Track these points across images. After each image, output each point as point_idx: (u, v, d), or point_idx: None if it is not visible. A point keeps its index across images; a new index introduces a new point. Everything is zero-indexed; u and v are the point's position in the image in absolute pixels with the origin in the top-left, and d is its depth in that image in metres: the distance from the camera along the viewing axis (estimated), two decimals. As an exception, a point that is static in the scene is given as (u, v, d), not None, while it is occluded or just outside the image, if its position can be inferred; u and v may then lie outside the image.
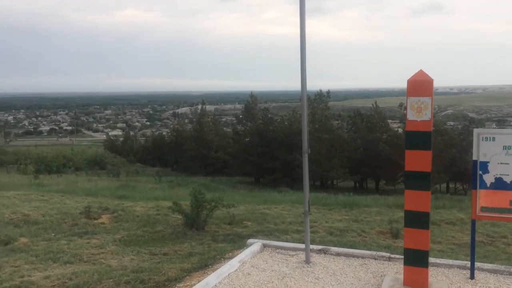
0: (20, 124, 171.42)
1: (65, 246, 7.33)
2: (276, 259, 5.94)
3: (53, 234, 8.26)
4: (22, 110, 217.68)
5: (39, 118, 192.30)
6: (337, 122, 40.55)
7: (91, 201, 12.15)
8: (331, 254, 6.05)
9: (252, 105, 46.27)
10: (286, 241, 6.97)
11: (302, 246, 6.16)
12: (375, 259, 5.87)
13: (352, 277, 5.25)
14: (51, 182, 21.54)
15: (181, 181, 32.35)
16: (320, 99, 40.92)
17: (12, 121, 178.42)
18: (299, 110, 39.93)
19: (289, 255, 6.07)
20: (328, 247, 6.26)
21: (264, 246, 6.40)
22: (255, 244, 6.34)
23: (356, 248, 6.44)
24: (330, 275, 5.28)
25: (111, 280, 5.42)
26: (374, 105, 38.73)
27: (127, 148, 71.43)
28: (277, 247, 6.36)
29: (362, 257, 5.92)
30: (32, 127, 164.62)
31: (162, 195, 15.59)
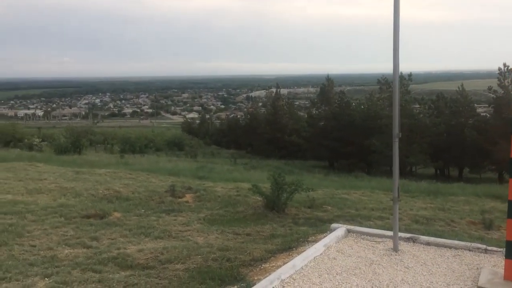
0: (106, 107, 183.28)
1: (155, 222, 7.72)
2: (361, 245, 5.81)
3: (142, 210, 8.74)
4: (108, 93, 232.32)
5: (123, 101, 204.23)
6: (418, 106, 38.64)
7: (174, 181, 12.68)
8: (421, 243, 5.80)
9: (327, 88, 45.53)
10: (371, 227, 6.79)
11: (389, 233, 5.97)
12: (470, 250, 5.55)
13: (445, 268, 5.00)
14: (135, 161, 22.78)
15: (255, 163, 32.79)
16: (400, 82, 39.21)
17: (99, 104, 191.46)
18: (377, 93, 38.65)
19: (375, 241, 5.92)
20: (417, 235, 6.01)
21: (349, 231, 6.29)
22: (339, 229, 6.25)
23: (446, 238, 6.11)
24: (421, 265, 5.07)
25: (199, 256, 5.63)
26: (460, 88, 36.39)
27: (203, 130, 73.72)
28: (362, 233, 6.23)
29: (455, 248, 5.62)
30: (116, 109, 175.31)
31: (240, 177, 15.87)
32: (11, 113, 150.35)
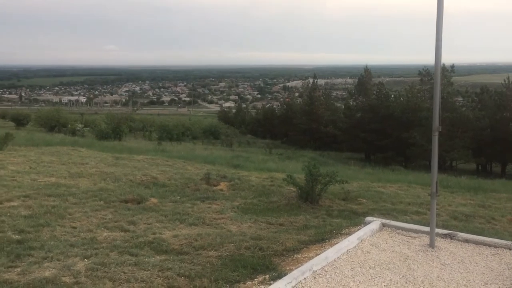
0: (145, 94, 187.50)
1: (190, 209, 7.86)
2: (396, 239, 5.72)
3: (178, 197, 8.91)
4: (147, 82, 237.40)
5: (162, 89, 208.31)
6: (461, 99, 37.35)
7: (210, 169, 12.83)
8: (458, 240, 5.65)
9: (365, 79, 44.72)
10: (407, 222, 6.66)
11: (425, 228, 5.85)
12: (510, 249, 5.36)
13: (483, 266, 4.86)
14: (172, 148, 23.19)
15: (291, 154, 32.74)
16: (442, 74, 37.97)
17: (138, 92, 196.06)
18: (418, 85, 37.57)
19: (411, 237, 5.81)
20: (455, 232, 5.86)
21: (383, 225, 6.20)
22: (374, 223, 6.17)
23: (485, 235, 5.92)
24: (458, 262, 4.94)
25: (232, 244, 5.70)
26: (506, 81, 34.85)
27: (239, 119, 74.10)
28: (397, 228, 6.13)
29: (495, 246, 5.45)
30: (155, 97, 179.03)
31: (274, 166, 15.89)
32: (56, 99, 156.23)
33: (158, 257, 5.18)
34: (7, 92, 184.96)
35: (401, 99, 38.82)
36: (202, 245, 5.65)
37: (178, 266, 4.82)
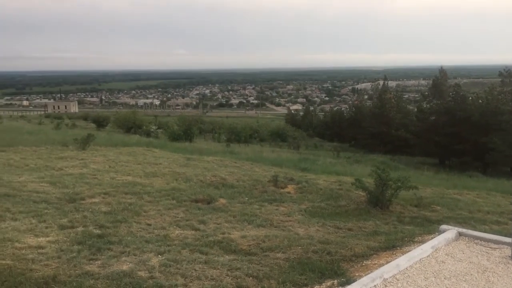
0: (215, 97, 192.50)
1: (258, 211, 7.96)
2: (474, 250, 5.41)
3: (246, 198, 9.05)
4: (217, 85, 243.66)
5: (230, 92, 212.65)
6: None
7: (277, 171, 12.88)
8: (545, 254, 5.22)
9: (440, 81, 42.68)
10: (486, 231, 6.27)
11: (507, 239, 5.48)
12: None
13: None
14: (240, 150, 23.60)
15: (359, 157, 31.97)
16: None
17: (208, 94, 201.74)
18: (499, 86, 35.12)
19: (490, 247, 5.46)
20: (541, 245, 5.41)
21: (460, 234, 5.89)
22: (450, 231, 5.88)
23: None
24: (545, 278, 4.56)
25: (299, 247, 5.69)
26: None
27: (307, 122, 73.71)
28: (475, 237, 5.79)
29: None
30: (224, 100, 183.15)
31: (342, 170, 15.62)
32: (132, 102, 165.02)
33: (227, 256, 5.29)
34: (89, 96, 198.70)
35: (480, 101, 36.53)
36: (269, 246, 5.70)
37: (246, 266, 4.89)
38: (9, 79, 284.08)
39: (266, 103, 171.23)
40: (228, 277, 4.57)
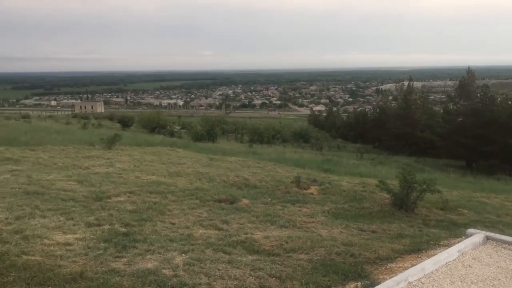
0: (238, 98, 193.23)
1: (280, 211, 7.96)
2: (502, 254, 5.28)
3: (269, 199, 9.07)
4: (240, 85, 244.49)
5: (253, 93, 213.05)
6: None
7: (300, 172, 12.85)
8: None
9: (468, 81, 41.66)
10: (515, 236, 6.11)
11: (537, 245, 5.32)
12: None
13: None
14: (263, 151, 23.60)
15: (383, 159, 31.56)
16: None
17: (231, 95, 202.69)
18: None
19: (520, 253, 5.32)
20: None
21: (487, 238, 5.75)
22: (477, 235, 5.75)
23: None
24: None
25: (322, 249, 5.67)
26: None
27: (330, 123, 73.13)
28: (503, 242, 5.65)
29: None
30: (247, 100, 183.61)
31: (366, 172, 15.46)
32: (156, 102, 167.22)
33: (250, 256, 5.31)
34: (115, 96, 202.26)
35: (509, 102, 35.63)
36: (292, 247, 5.69)
37: (269, 267, 4.90)
38: (39, 79, 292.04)
39: (289, 104, 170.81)
40: (251, 277, 4.59)
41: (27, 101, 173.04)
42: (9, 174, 9.67)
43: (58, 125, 34.24)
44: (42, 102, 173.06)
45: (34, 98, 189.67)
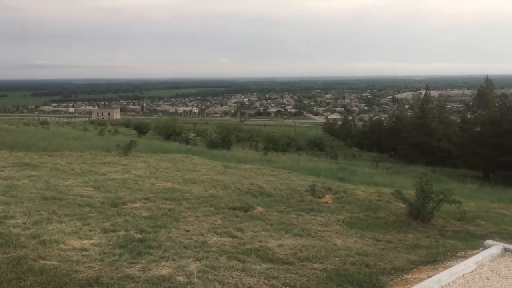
0: (253, 105, 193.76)
1: (295, 220, 7.93)
2: (521, 267, 5.17)
3: (283, 207, 9.05)
4: (255, 93, 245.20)
5: (268, 101, 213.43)
6: None
7: (315, 180, 12.81)
8: None
9: (486, 90, 41.17)
10: (534, 249, 5.98)
11: (558, 258, 5.20)
12: None
13: None
14: (277, 159, 23.59)
15: (399, 168, 31.26)
16: None
17: (246, 103, 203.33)
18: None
19: (540, 266, 5.20)
20: None
21: (506, 250, 5.66)
22: (495, 247, 5.66)
23: None
24: None
25: (337, 258, 5.62)
26: None
27: (345, 132, 72.77)
28: (523, 254, 5.54)
29: None
30: (262, 108, 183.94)
31: (381, 181, 15.34)
32: (172, 109, 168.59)
33: (264, 265, 5.30)
34: (131, 103, 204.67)
35: (528, 111, 34.98)
36: (307, 256, 5.66)
37: (283, 275, 4.88)
38: (57, 86, 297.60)
39: (304, 112, 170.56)
40: (265, 286, 4.58)
41: (45, 108, 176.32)
42: (28, 179, 9.83)
43: (76, 132, 34.77)
44: (60, 109, 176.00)
45: (53, 104, 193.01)
